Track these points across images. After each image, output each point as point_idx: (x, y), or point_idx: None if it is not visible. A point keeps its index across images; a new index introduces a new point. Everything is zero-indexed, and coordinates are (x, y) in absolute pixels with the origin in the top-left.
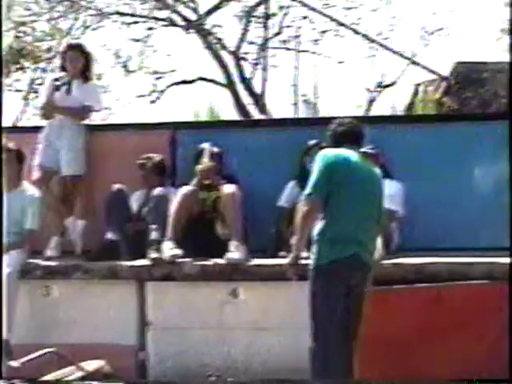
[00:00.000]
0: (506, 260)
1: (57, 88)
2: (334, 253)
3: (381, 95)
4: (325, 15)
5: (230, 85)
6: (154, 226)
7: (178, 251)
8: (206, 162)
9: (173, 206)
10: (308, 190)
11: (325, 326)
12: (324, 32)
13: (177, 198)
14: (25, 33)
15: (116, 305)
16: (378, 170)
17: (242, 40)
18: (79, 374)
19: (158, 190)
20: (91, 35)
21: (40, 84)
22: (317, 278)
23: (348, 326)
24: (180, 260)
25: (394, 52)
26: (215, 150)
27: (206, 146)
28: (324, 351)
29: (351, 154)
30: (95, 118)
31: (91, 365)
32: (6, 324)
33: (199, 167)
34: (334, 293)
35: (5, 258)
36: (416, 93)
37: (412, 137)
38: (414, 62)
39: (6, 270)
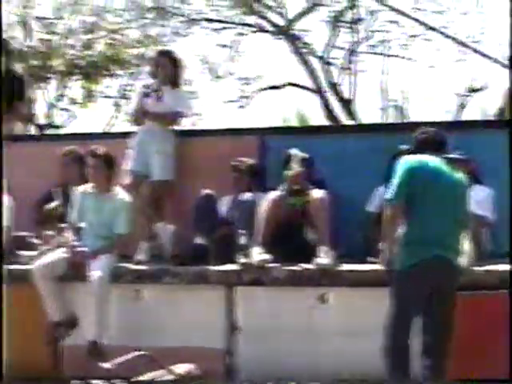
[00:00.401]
0: None
1: (147, 94)
2: (415, 255)
3: (471, 99)
4: (414, 19)
5: (318, 90)
6: (242, 231)
7: (267, 256)
8: (295, 167)
9: (261, 211)
10: (389, 195)
11: (401, 327)
12: (413, 36)
13: (265, 203)
14: (116, 40)
15: (205, 309)
16: (461, 175)
17: (330, 45)
18: (169, 376)
19: (246, 195)
20: (181, 42)
21: (131, 90)
22: (399, 281)
23: (427, 328)
24: (269, 265)
25: (485, 55)
26: (304, 155)
27: (295, 151)
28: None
29: (432, 160)
30: (185, 124)
31: (181, 368)
32: (98, 327)
33: (288, 173)
34: (414, 295)
35: (95, 262)
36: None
37: (503, 141)
38: (505, 66)
39: (96, 274)
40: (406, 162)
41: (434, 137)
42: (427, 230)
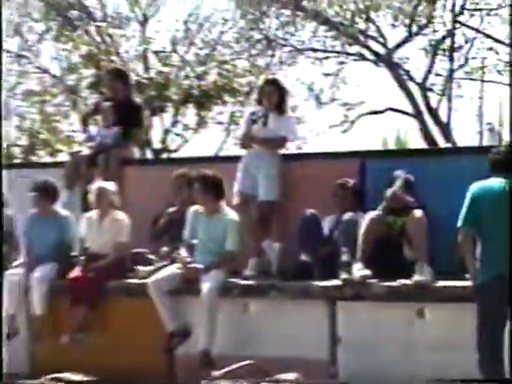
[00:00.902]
0: None
1: (254, 121)
2: (489, 272)
3: None
4: (509, 46)
5: (417, 114)
6: (344, 249)
7: (367, 272)
8: (396, 187)
9: (361, 230)
10: (459, 222)
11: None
12: (508, 62)
13: (365, 221)
14: (227, 70)
15: (309, 322)
16: None
17: (428, 71)
18: None
19: (348, 215)
20: (287, 70)
21: (240, 117)
22: (479, 295)
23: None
24: (369, 280)
25: None
26: (407, 176)
27: (399, 172)
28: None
29: (496, 183)
30: (290, 147)
31: (285, 376)
32: (208, 337)
33: (389, 192)
34: (496, 307)
35: (206, 277)
36: None
37: None
38: None
39: (207, 288)
40: (471, 188)
41: (505, 157)
42: (494, 248)
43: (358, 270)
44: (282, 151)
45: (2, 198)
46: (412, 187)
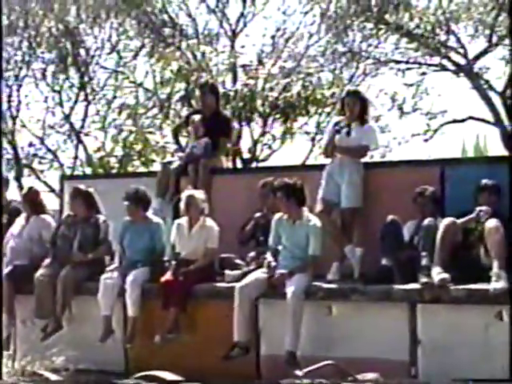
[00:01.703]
0: None
1: (338, 131)
2: None
3: None
4: None
5: (497, 123)
6: (424, 253)
7: (446, 275)
8: (485, 197)
9: (438, 235)
10: None
11: None
12: None
13: (441, 227)
14: (311, 82)
15: (390, 324)
16: None
17: (508, 81)
18: None
19: (428, 220)
20: (370, 81)
21: (325, 127)
22: None
23: None
24: (448, 284)
25: None
26: (494, 183)
27: (486, 180)
28: None
29: None
30: (375, 156)
31: (367, 376)
32: (293, 338)
33: (480, 202)
34: None
35: (291, 280)
36: None
37: None
38: None
39: (292, 291)
40: None
41: None
42: None
43: (438, 274)
44: (365, 159)
45: (2, 200)
46: (499, 193)
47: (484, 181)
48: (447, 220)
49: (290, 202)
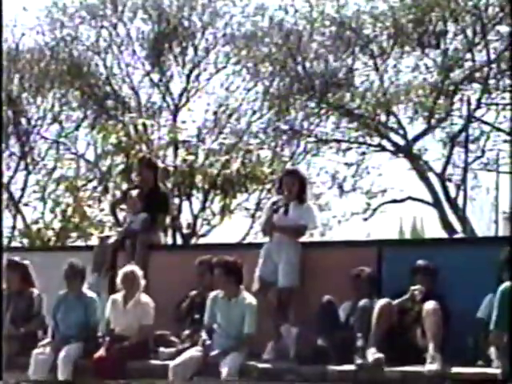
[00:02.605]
0: None
1: (276, 210)
2: None
3: None
4: None
5: (436, 204)
6: (359, 334)
7: (381, 355)
8: (419, 280)
9: (374, 316)
10: (491, 324)
11: None
12: None
13: (377, 308)
14: (251, 160)
15: None
16: None
17: (446, 162)
18: None
19: (363, 301)
20: (311, 160)
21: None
22: None
23: None
24: (383, 364)
25: None
26: (429, 264)
27: (421, 261)
28: None
29: None
30: (314, 234)
31: None
32: None
33: (417, 289)
34: None
35: (225, 359)
36: None
37: None
38: None
39: (225, 369)
40: (503, 288)
41: None
42: None
43: (372, 354)
44: (303, 239)
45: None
46: (435, 275)
47: (418, 262)
48: (383, 301)
49: (228, 280)
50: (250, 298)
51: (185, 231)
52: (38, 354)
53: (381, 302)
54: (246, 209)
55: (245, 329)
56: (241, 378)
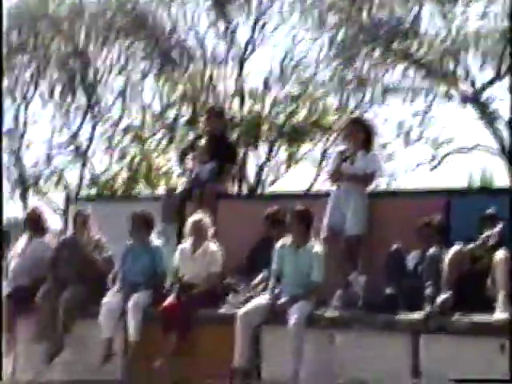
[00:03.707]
0: None
1: (343, 158)
2: None
3: None
4: None
5: (504, 153)
6: (428, 283)
7: (448, 297)
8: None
9: (447, 263)
10: None
11: None
12: None
13: (451, 255)
14: (317, 108)
15: (392, 353)
16: None
17: None
18: None
19: (432, 250)
20: (377, 109)
21: (331, 153)
22: None
23: None
24: (452, 314)
25: None
26: (493, 212)
27: (490, 210)
28: None
29: None
30: (380, 184)
31: None
32: (295, 365)
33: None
34: None
35: (293, 308)
36: None
37: None
38: None
39: (294, 319)
40: None
41: None
42: None
43: (442, 303)
44: (370, 187)
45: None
46: (502, 224)
47: (488, 210)
48: (455, 247)
49: (299, 228)
50: (317, 247)
51: (250, 182)
52: (108, 302)
53: (453, 249)
54: (312, 159)
55: (313, 277)
56: (309, 327)
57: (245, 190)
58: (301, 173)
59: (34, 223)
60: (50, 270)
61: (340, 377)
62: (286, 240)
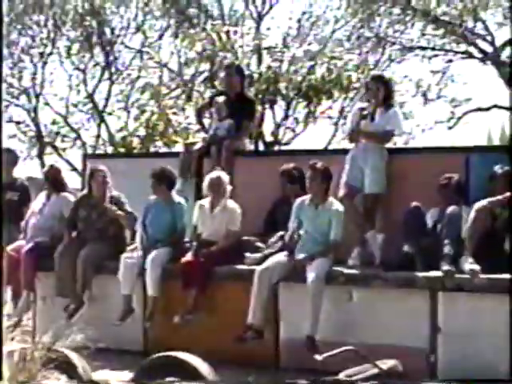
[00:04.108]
0: None
1: (362, 116)
2: None
3: None
4: None
5: None
6: (447, 241)
7: (477, 267)
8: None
9: (470, 219)
10: None
11: None
12: None
13: (473, 213)
14: (336, 66)
15: (410, 311)
16: None
17: None
18: (374, 371)
19: (452, 208)
20: (395, 67)
21: (349, 111)
22: None
23: None
24: (470, 273)
25: None
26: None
27: (499, 167)
28: None
29: None
30: (398, 142)
31: (386, 364)
32: (313, 323)
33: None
34: None
35: (312, 265)
36: None
37: None
38: None
39: (312, 276)
40: None
41: None
42: None
43: (469, 264)
44: (389, 145)
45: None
46: None
47: (497, 167)
48: (480, 203)
49: (315, 186)
50: (336, 205)
51: (268, 139)
52: (127, 258)
53: (478, 204)
54: (330, 117)
55: (331, 235)
56: (327, 284)
57: (261, 149)
58: (318, 131)
59: (53, 180)
60: (68, 228)
61: (357, 333)
62: (305, 198)
